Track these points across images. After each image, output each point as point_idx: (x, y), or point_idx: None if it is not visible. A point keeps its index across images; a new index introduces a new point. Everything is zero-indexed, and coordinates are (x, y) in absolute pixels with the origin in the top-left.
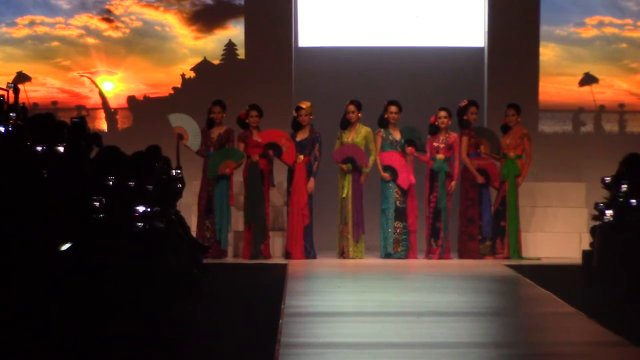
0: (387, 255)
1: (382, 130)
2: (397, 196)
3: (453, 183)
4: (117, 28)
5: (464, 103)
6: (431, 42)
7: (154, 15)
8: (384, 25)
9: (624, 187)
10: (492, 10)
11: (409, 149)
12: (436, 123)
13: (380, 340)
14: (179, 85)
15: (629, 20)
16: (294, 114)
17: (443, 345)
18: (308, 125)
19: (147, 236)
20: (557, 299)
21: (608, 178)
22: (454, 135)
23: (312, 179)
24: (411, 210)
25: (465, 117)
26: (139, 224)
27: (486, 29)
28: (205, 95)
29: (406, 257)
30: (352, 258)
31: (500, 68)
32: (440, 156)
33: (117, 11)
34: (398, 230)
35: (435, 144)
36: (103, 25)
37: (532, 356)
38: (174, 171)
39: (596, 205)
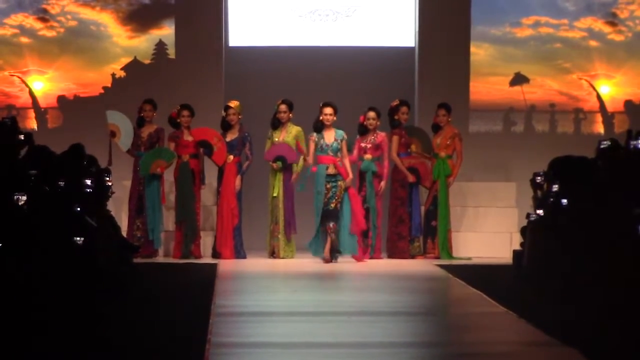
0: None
1: (314, 134)
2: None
3: (382, 183)
4: (51, 27)
5: (395, 103)
6: (362, 42)
7: (90, 14)
8: (315, 25)
9: (555, 187)
10: (422, 9)
11: None
12: (365, 123)
13: (310, 340)
14: (109, 85)
15: (564, 20)
16: (223, 113)
17: (374, 345)
18: (237, 125)
19: (77, 235)
20: (488, 299)
21: (539, 177)
22: (381, 135)
23: (239, 177)
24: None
25: (396, 117)
26: (69, 223)
27: (417, 29)
28: (135, 95)
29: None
30: (283, 258)
31: (430, 68)
32: (367, 156)
33: (54, 10)
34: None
35: (362, 144)
36: (38, 25)
37: (462, 356)
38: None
39: (528, 216)
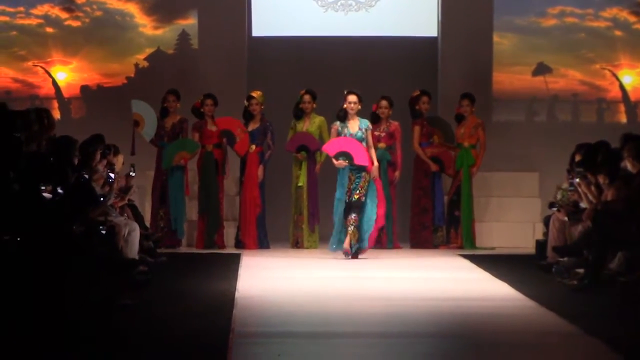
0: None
1: (337, 123)
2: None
3: (397, 173)
4: (77, 18)
5: (416, 93)
6: (384, 32)
7: (115, 4)
8: (338, 15)
9: (577, 180)
10: None
11: None
12: (377, 112)
13: (333, 329)
14: (133, 75)
15: (590, 10)
16: (245, 103)
17: (396, 334)
18: (259, 115)
19: (99, 225)
20: (511, 289)
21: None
22: (395, 124)
23: (261, 167)
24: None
25: (417, 107)
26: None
27: (439, 19)
28: (158, 85)
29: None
30: (307, 248)
31: (453, 58)
32: (381, 145)
33: (80, 0)
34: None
35: (376, 133)
36: (63, 15)
37: (485, 346)
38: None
39: (551, 205)
